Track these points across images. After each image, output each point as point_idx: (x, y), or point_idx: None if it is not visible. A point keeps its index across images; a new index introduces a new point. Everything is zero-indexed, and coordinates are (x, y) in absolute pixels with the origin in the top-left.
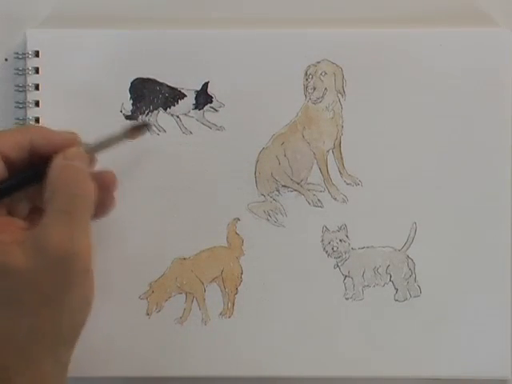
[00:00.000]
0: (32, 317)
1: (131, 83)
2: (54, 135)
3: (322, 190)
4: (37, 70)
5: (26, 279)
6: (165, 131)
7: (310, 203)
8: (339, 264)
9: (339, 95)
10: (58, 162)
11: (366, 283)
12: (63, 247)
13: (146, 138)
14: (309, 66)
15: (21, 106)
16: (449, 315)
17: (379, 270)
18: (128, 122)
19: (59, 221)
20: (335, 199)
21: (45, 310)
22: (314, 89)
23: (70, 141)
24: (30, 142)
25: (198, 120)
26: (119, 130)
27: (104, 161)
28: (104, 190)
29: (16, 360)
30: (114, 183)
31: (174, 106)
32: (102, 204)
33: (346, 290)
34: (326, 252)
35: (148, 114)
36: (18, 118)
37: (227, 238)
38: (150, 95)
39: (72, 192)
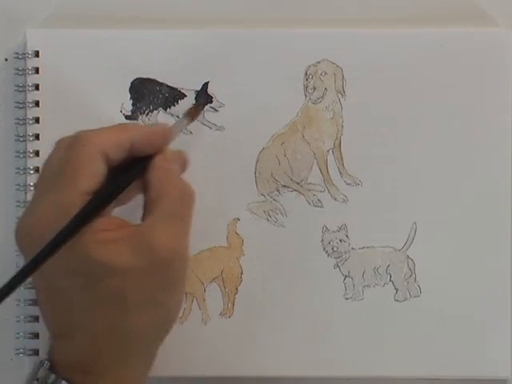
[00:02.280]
0: (133, 317)
1: (131, 83)
2: (153, 135)
3: (322, 190)
4: (37, 70)
5: (132, 278)
6: None
7: (310, 203)
8: (339, 264)
9: (339, 95)
10: (160, 165)
11: (366, 283)
12: (171, 249)
13: None
14: (309, 66)
15: (21, 106)
16: (449, 315)
17: (379, 270)
18: (128, 121)
19: (167, 223)
20: (335, 199)
21: (146, 311)
22: (314, 89)
23: (167, 139)
24: (131, 142)
25: (197, 120)
26: (181, 116)
27: None
28: None
29: (107, 360)
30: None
31: (174, 106)
32: None
33: (346, 289)
34: (326, 252)
35: (148, 113)
36: (17, 118)
37: (227, 238)
38: (149, 95)
39: (179, 197)
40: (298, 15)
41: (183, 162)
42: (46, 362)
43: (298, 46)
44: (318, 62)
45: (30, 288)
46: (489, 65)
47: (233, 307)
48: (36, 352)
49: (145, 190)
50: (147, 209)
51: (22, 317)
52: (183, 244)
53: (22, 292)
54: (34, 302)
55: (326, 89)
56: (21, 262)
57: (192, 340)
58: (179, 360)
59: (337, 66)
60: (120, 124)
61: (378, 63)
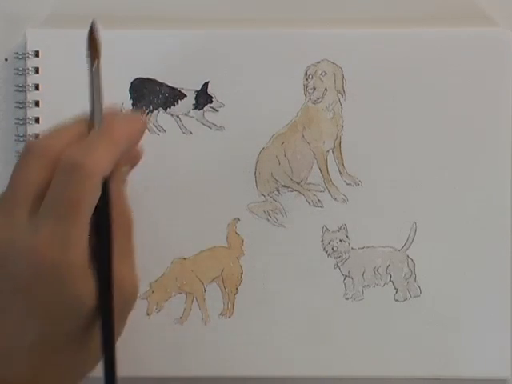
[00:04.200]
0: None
1: (131, 83)
2: (136, 138)
3: (322, 189)
4: (37, 70)
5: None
6: (165, 131)
7: (310, 203)
8: (339, 264)
9: (339, 95)
10: (115, 190)
11: (366, 283)
12: (135, 287)
13: (145, 137)
14: (309, 66)
15: (21, 106)
16: (449, 315)
17: (379, 270)
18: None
19: (129, 260)
20: (335, 199)
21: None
22: (314, 89)
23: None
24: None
25: (197, 120)
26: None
27: None
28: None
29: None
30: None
31: (174, 106)
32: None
33: (345, 289)
34: (326, 252)
35: (148, 113)
36: (17, 118)
37: (227, 238)
38: (150, 95)
39: (130, 228)
40: (298, 15)
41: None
42: None
43: (298, 45)
44: (318, 62)
45: None
46: (489, 65)
47: (233, 307)
48: None
49: None
50: None
51: None
52: (137, 278)
53: None
54: None
55: (326, 89)
56: None
57: (192, 340)
58: (179, 360)
59: (337, 65)
60: (101, 133)
61: (378, 63)
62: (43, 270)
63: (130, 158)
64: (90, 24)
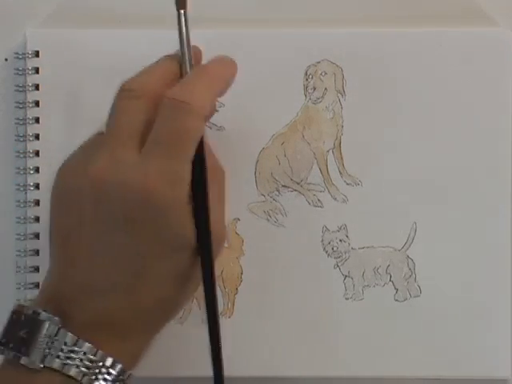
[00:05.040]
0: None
1: None
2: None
3: (322, 189)
4: (37, 70)
5: None
6: None
7: (310, 203)
8: (339, 264)
9: (339, 95)
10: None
11: (365, 283)
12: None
13: None
14: (309, 65)
15: (21, 106)
16: (449, 315)
17: (379, 270)
18: None
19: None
20: (335, 199)
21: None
22: (314, 89)
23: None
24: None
25: None
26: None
27: None
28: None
29: (134, 320)
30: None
31: None
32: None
33: (346, 289)
34: (326, 252)
35: None
36: (17, 118)
37: (227, 238)
38: None
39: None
40: (298, 15)
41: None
42: (53, 317)
43: (298, 45)
44: (318, 62)
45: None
46: (489, 65)
47: (233, 307)
48: None
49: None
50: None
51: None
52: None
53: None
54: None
55: (326, 89)
56: (21, 262)
57: (192, 340)
58: (179, 360)
59: (337, 65)
60: (200, 73)
61: (378, 63)
62: (149, 205)
63: None
64: None
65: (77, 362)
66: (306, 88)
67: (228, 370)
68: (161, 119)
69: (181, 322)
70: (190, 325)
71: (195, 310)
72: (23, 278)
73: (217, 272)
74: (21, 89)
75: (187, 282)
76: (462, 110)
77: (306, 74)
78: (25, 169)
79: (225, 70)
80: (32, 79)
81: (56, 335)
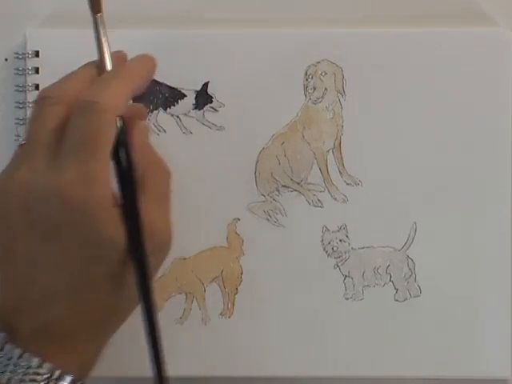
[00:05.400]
0: (122, 294)
1: None
2: (146, 77)
3: (322, 189)
4: (37, 70)
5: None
6: (165, 131)
7: (310, 203)
8: (339, 264)
9: (339, 95)
10: (139, 141)
11: (365, 283)
12: (168, 233)
13: None
14: (309, 65)
15: (21, 106)
16: (449, 315)
17: (379, 270)
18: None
19: (160, 206)
20: (335, 199)
21: (132, 290)
22: (314, 89)
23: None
24: (133, 92)
25: (198, 120)
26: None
27: None
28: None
29: (81, 328)
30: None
31: (174, 105)
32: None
33: (346, 289)
34: (326, 252)
35: (148, 113)
36: (17, 118)
37: (227, 238)
38: (149, 95)
39: (165, 175)
40: (298, 15)
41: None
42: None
43: (298, 45)
44: (318, 62)
45: None
46: (489, 65)
47: (233, 307)
48: None
49: None
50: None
51: None
52: (170, 225)
53: None
54: None
55: (325, 89)
56: None
57: (192, 340)
58: (179, 360)
59: (337, 65)
60: (113, 72)
61: (378, 63)
62: (71, 210)
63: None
64: None
65: (24, 376)
66: (306, 88)
67: (228, 370)
68: (72, 122)
69: (181, 322)
70: (189, 325)
71: (195, 309)
72: None
73: (217, 272)
74: (21, 89)
75: (124, 286)
76: (462, 110)
77: (305, 74)
78: None
79: (140, 67)
80: (32, 79)
81: (1, 350)
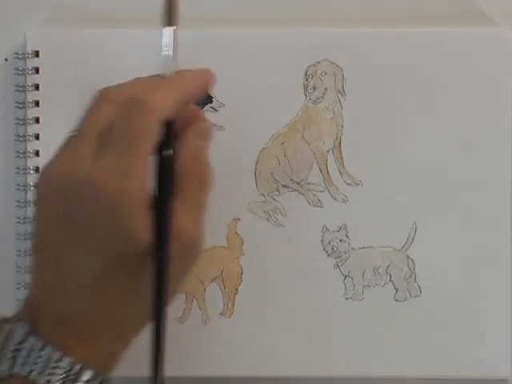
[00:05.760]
0: (143, 296)
1: None
2: (201, 86)
3: (322, 189)
4: (37, 70)
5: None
6: None
7: (310, 203)
8: (339, 264)
9: (339, 95)
10: (191, 142)
11: (366, 283)
12: (198, 239)
13: None
14: (309, 65)
15: (21, 106)
16: (449, 315)
17: (379, 270)
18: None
19: (195, 211)
20: (335, 199)
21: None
22: (314, 89)
23: (211, 83)
24: (183, 100)
25: None
26: None
27: None
28: None
29: (104, 326)
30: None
31: None
32: None
33: (345, 290)
34: (326, 252)
35: None
36: (17, 118)
37: (227, 238)
38: None
39: (206, 182)
40: (298, 15)
41: (209, 133)
42: (21, 324)
43: (298, 45)
44: (318, 62)
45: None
46: (489, 65)
47: (233, 307)
48: None
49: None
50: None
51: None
52: (201, 231)
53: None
54: None
55: (325, 89)
56: (21, 262)
57: (192, 340)
58: (179, 360)
59: (337, 65)
60: (168, 78)
61: (378, 63)
62: (102, 200)
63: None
64: None
65: (44, 368)
66: (306, 88)
67: (228, 370)
68: (117, 116)
69: (181, 322)
70: (189, 325)
71: (195, 309)
72: (23, 278)
73: (217, 272)
74: (21, 89)
75: (142, 287)
76: (462, 110)
77: (306, 73)
78: (25, 169)
79: (195, 77)
80: (32, 79)
81: (23, 342)
